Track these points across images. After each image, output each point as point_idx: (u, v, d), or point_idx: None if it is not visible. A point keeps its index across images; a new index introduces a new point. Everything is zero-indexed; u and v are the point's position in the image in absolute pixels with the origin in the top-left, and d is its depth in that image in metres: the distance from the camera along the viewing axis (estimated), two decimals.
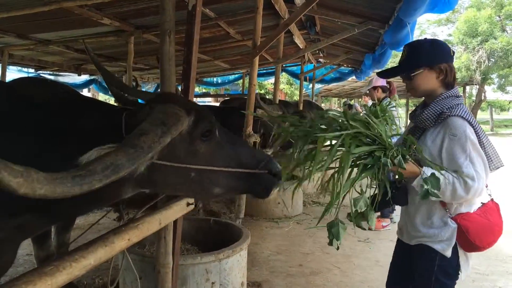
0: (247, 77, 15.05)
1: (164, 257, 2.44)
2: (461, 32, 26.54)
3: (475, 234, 2.05)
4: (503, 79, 28.54)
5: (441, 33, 73.54)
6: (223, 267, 2.90)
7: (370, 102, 13.36)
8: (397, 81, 6.74)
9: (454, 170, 2.00)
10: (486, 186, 2.12)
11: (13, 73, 8.84)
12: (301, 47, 7.88)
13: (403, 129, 5.42)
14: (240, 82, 14.23)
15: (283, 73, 14.61)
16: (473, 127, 2.05)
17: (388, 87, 5.96)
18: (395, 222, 6.02)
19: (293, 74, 12.91)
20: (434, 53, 2.16)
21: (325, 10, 5.95)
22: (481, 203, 2.18)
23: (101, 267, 3.74)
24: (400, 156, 1.97)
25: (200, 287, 2.81)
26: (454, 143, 2.02)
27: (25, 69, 9.08)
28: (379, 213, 5.79)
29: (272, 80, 25.70)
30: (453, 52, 2.25)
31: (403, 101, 34.95)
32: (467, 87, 28.00)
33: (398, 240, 2.46)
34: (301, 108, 9.60)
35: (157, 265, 2.46)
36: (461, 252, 2.13)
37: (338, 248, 2.01)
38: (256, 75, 4.83)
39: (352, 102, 15.97)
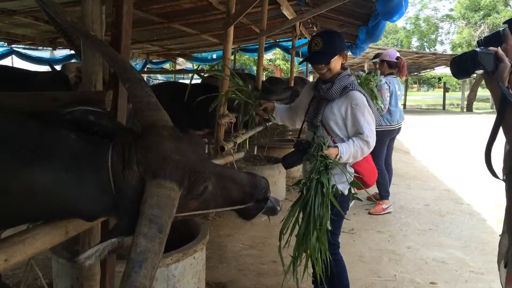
0: (239, 52, 14.57)
1: (87, 269, 2.00)
2: (463, 6, 25.82)
3: (367, 176, 2.84)
4: None
5: (443, 8, 71.83)
6: (171, 273, 2.46)
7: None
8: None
9: (358, 131, 2.70)
10: None
11: None
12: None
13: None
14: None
15: (277, 49, 14.03)
16: (366, 98, 2.74)
17: (396, 62, 5.61)
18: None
19: (286, 50, 12.32)
20: (341, 43, 2.77)
21: None
22: None
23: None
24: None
25: None
26: (355, 110, 2.68)
27: None
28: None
29: (268, 56, 25.06)
30: None
31: (403, 78, 34.36)
32: None
33: None
34: (292, 84, 9.12)
35: (79, 277, 2.03)
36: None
37: None
38: (230, 48, 4.35)
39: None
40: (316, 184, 2.52)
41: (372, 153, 5.32)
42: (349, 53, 12.07)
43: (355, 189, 2.86)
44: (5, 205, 1.35)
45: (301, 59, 12.47)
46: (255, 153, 6.59)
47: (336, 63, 2.71)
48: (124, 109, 2.11)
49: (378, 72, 5.49)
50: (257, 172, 5.39)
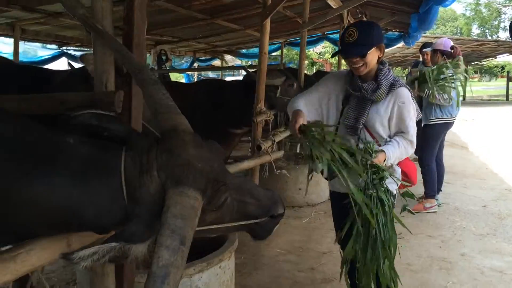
0: (286, 47, 14.30)
1: (100, 280, 1.90)
2: None
3: (413, 173, 2.74)
4: None
5: None
6: (195, 283, 2.33)
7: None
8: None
9: (401, 130, 2.54)
10: None
11: (39, 49, 8.64)
12: None
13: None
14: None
15: (326, 42, 13.66)
16: (411, 93, 2.59)
17: (451, 51, 5.23)
18: (440, 204, 5.28)
19: (335, 42, 11.92)
20: (379, 35, 2.53)
21: None
22: None
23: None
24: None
25: None
26: (402, 109, 2.50)
27: (50, 46, 8.80)
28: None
29: (317, 49, 24.60)
30: None
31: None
32: None
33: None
34: None
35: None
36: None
37: None
38: (267, 42, 4.16)
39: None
40: (375, 201, 2.28)
41: (426, 149, 5.05)
42: (402, 44, 11.54)
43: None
44: (5, 216, 1.27)
45: None
46: (298, 151, 6.37)
47: (372, 56, 2.45)
48: (139, 110, 1.99)
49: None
50: (298, 171, 5.20)
